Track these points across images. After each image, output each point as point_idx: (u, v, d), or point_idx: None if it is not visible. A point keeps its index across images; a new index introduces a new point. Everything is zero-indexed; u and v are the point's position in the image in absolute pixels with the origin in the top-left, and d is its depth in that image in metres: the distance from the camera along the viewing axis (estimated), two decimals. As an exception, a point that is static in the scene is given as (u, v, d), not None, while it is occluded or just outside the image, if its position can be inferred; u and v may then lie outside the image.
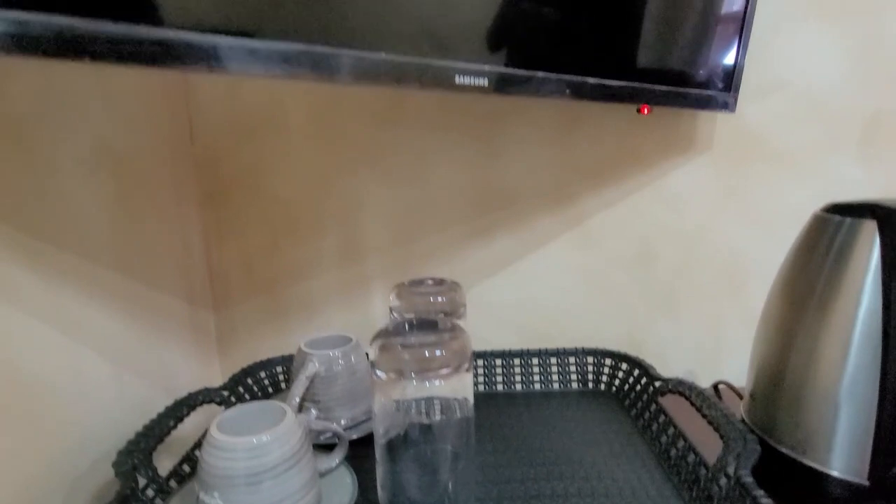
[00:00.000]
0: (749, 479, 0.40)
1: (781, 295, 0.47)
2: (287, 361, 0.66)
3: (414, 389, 0.41)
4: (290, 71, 0.36)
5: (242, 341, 0.75)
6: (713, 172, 0.72)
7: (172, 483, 0.46)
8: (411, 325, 0.42)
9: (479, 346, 0.71)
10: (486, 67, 0.46)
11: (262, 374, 0.63)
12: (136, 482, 0.43)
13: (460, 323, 0.47)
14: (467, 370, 0.41)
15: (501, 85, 0.46)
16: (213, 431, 0.38)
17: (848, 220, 0.42)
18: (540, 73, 0.49)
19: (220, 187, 0.71)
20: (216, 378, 0.74)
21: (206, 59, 0.31)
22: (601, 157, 0.71)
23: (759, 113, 0.70)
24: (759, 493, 0.38)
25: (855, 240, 0.41)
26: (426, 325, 0.43)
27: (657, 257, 0.74)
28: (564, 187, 0.72)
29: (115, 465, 0.43)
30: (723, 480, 0.42)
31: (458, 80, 0.44)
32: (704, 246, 0.74)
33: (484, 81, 0.45)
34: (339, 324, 0.75)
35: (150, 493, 0.44)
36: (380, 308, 0.75)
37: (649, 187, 0.72)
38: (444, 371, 0.39)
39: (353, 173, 0.71)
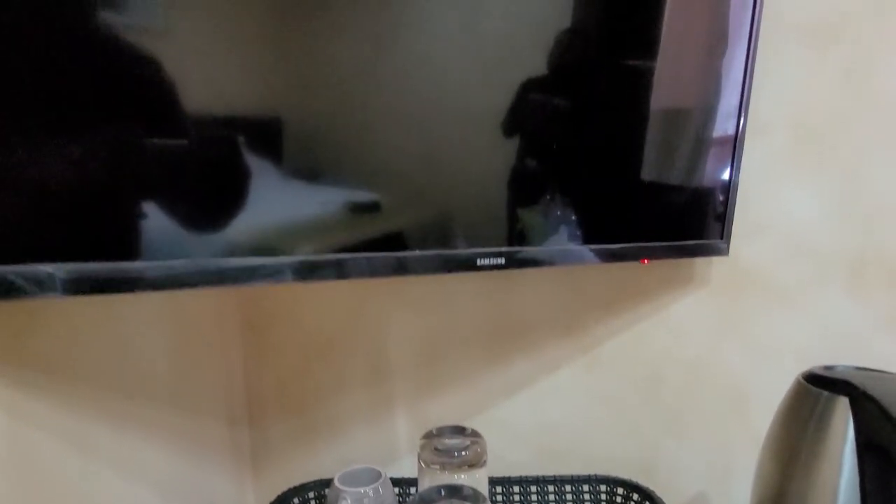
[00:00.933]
0: None
1: (772, 453, 0.51)
2: (318, 486, 0.71)
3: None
4: (342, 274, 0.44)
5: (275, 460, 0.81)
6: (712, 305, 0.78)
7: None
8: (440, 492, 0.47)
9: (494, 463, 0.76)
10: (503, 249, 0.53)
11: (296, 501, 0.68)
12: None
13: (482, 471, 0.52)
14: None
15: (515, 263, 0.54)
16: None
17: (825, 394, 0.47)
18: (545, 249, 0.56)
19: (261, 318, 0.78)
20: (249, 498, 0.79)
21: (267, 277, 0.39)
22: (608, 291, 0.78)
23: (751, 253, 0.76)
24: None
25: (832, 414, 0.46)
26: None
27: (664, 382, 0.79)
28: (575, 318, 0.78)
29: None
30: None
31: (480, 262, 0.52)
32: (708, 372, 0.79)
33: (501, 260, 0.53)
34: (365, 442, 0.80)
35: None
36: (403, 428, 0.80)
37: (653, 318, 0.78)
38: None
39: (380, 302, 0.78)
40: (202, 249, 0.39)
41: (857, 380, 0.46)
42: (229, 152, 0.41)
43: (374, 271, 0.45)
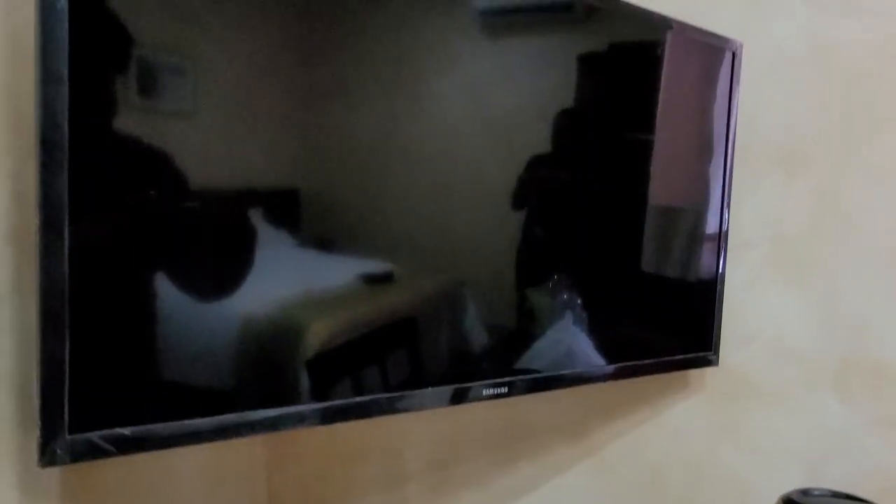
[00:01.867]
0: None
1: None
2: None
3: None
4: (364, 415, 0.50)
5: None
6: (708, 409, 0.82)
7: None
8: None
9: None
10: (506, 379, 0.59)
11: None
12: None
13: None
14: None
15: (516, 391, 0.60)
16: None
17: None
18: (545, 374, 0.63)
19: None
20: None
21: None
22: (610, 397, 0.83)
23: (741, 359, 0.82)
24: None
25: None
26: None
27: (666, 484, 0.83)
28: (579, 422, 0.83)
29: None
30: None
31: (485, 392, 0.58)
32: (707, 473, 0.82)
33: (505, 389, 0.59)
34: (381, 544, 0.83)
35: None
36: (418, 530, 0.84)
37: (653, 421, 0.83)
38: None
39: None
40: (243, 403, 0.46)
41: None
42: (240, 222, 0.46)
43: (392, 410, 0.52)
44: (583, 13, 0.63)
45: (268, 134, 0.48)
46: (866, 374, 0.81)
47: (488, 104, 0.59)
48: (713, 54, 0.74)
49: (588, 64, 0.64)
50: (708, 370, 0.82)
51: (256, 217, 0.48)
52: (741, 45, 0.76)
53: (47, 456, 0.38)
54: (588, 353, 0.71)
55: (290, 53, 0.49)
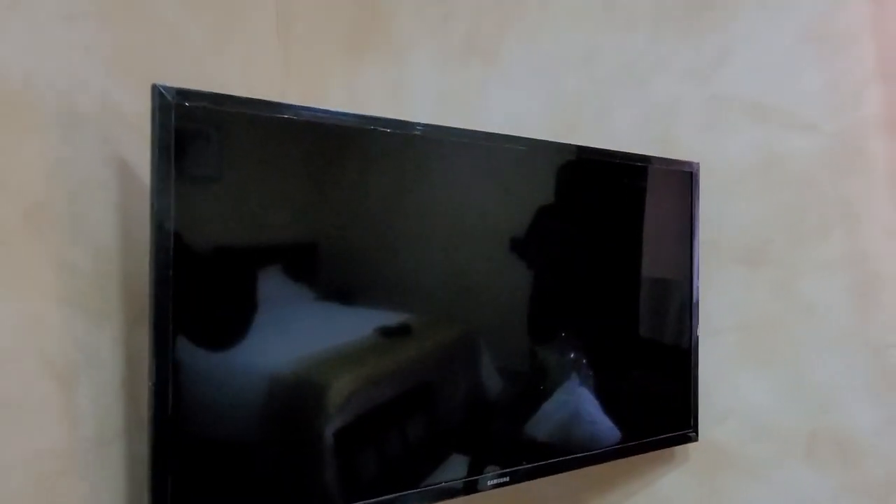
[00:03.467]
0: None
1: None
2: None
3: None
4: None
5: None
6: (692, 480, 0.92)
7: None
8: None
9: None
10: (507, 470, 0.71)
11: None
12: None
13: None
14: None
15: (517, 479, 0.71)
16: None
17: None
18: (542, 463, 0.74)
19: None
20: None
21: None
22: (604, 470, 0.93)
23: (720, 434, 0.92)
24: None
25: None
26: None
27: (660, 549, 0.92)
28: (580, 495, 0.94)
29: None
30: None
31: (490, 482, 0.69)
32: (697, 539, 0.92)
33: (507, 479, 0.71)
34: None
35: None
36: None
37: (644, 492, 0.93)
38: None
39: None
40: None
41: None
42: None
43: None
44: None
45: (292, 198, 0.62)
46: (833, 444, 0.90)
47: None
48: (678, 175, 0.88)
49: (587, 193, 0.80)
50: (690, 445, 0.93)
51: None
52: (698, 165, 0.89)
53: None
54: (592, 414, 0.83)
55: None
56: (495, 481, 0.69)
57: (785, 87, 0.94)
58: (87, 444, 0.55)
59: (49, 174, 0.54)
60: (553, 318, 0.81)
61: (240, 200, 0.58)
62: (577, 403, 0.82)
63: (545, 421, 0.78)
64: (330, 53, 1.02)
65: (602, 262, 0.86)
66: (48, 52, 0.58)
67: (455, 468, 0.68)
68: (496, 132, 0.77)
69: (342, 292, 0.65)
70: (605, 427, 0.83)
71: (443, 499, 0.66)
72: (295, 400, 0.60)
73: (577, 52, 0.98)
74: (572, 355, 0.81)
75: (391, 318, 0.67)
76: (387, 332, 0.67)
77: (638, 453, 0.85)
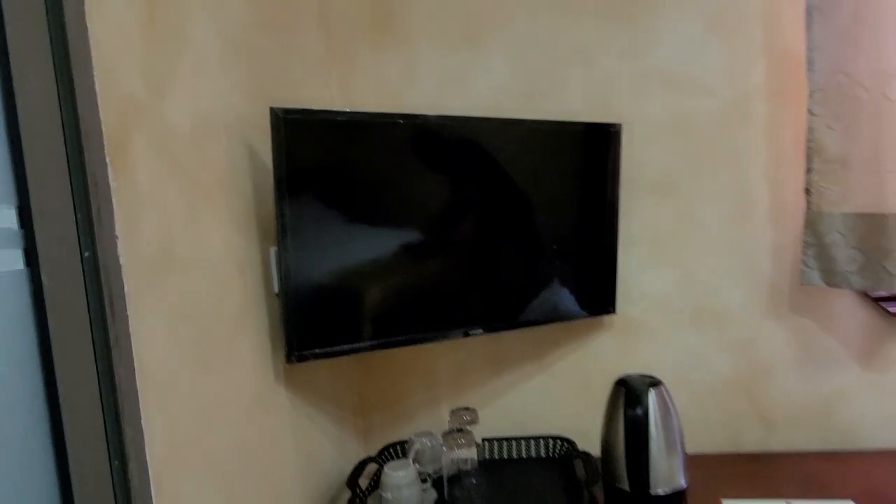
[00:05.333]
0: None
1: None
2: (401, 442, 1.36)
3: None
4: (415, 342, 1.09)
5: (377, 432, 1.47)
6: (615, 339, 1.37)
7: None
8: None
9: (484, 426, 1.38)
10: (476, 328, 1.17)
11: (390, 450, 1.34)
12: (355, 489, 1.13)
13: (476, 427, 1.16)
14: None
15: (480, 332, 1.17)
16: (386, 470, 1.09)
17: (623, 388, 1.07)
18: (506, 323, 1.19)
19: (371, 360, 1.45)
20: (363, 449, 1.45)
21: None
22: (557, 334, 1.39)
23: (634, 311, 1.35)
24: None
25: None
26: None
27: (591, 385, 1.39)
28: (539, 350, 1.40)
29: (347, 482, 1.14)
30: None
31: (465, 334, 1.15)
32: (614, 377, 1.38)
33: (480, 331, 1.16)
34: (424, 421, 1.44)
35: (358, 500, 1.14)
36: (445, 411, 1.44)
37: (584, 348, 1.38)
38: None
39: (425, 351, 1.42)
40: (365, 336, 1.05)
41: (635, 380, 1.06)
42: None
43: (430, 340, 1.10)
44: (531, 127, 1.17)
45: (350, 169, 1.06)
46: (710, 316, 1.33)
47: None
48: (606, 133, 1.26)
49: (547, 151, 1.18)
50: (615, 318, 1.37)
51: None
52: (620, 125, 1.26)
53: (290, 360, 0.99)
54: (567, 304, 1.28)
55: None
56: (473, 332, 1.15)
57: (693, 63, 1.29)
58: (254, 298, 1.01)
59: (224, 163, 0.96)
60: (539, 237, 1.23)
61: (319, 167, 1.00)
62: (554, 295, 1.26)
63: (535, 310, 1.23)
64: (358, 42, 1.38)
65: (564, 197, 1.26)
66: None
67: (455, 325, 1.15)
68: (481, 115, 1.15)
69: (383, 223, 1.09)
70: (566, 304, 1.27)
71: (443, 340, 1.13)
72: (358, 287, 1.06)
73: (539, 37, 1.33)
74: (556, 262, 1.24)
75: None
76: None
77: (580, 318, 1.29)
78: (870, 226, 1.12)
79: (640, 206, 1.33)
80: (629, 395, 1.05)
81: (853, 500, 1.03)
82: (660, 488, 1.03)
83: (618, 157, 1.28)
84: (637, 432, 1.03)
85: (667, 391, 1.08)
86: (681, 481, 1.05)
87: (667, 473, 1.03)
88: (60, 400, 0.62)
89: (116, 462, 0.64)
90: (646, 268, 1.35)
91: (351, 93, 1.38)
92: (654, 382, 1.07)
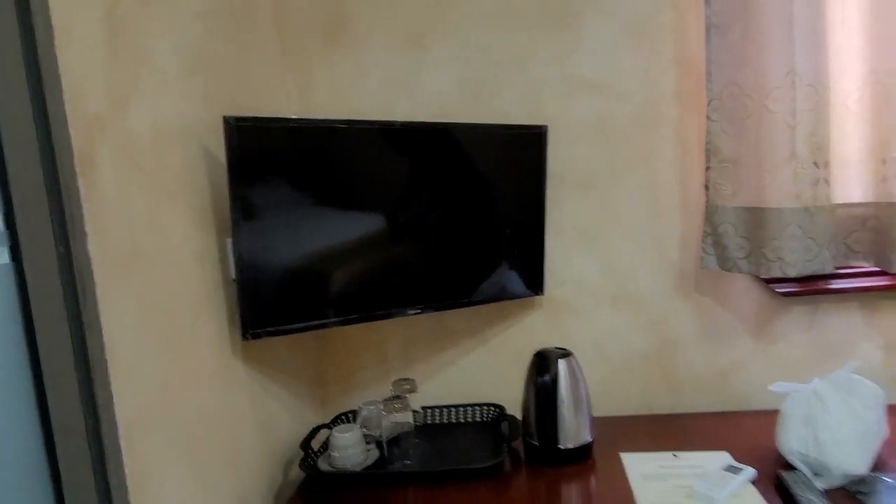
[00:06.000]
0: None
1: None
2: (353, 411, 1.51)
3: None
4: (370, 319, 1.24)
5: (333, 401, 1.62)
6: (545, 318, 1.53)
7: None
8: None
9: (423, 395, 1.54)
10: (420, 307, 1.32)
11: (343, 417, 1.50)
12: (307, 451, 1.29)
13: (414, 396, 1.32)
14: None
15: (423, 311, 1.33)
16: (334, 433, 1.24)
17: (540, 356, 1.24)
18: (450, 302, 1.35)
19: (328, 337, 1.59)
20: (320, 416, 1.60)
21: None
22: (494, 313, 1.55)
23: (560, 293, 1.52)
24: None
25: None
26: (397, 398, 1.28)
27: (524, 358, 1.55)
28: (479, 326, 1.56)
29: (301, 444, 1.29)
30: None
31: (410, 312, 1.31)
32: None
33: (419, 310, 1.32)
34: (374, 391, 1.60)
35: (310, 460, 1.30)
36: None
37: (518, 325, 1.55)
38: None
39: (381, 327, 1.58)
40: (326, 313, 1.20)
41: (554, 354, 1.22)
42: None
43: (379, 318, 1.25)
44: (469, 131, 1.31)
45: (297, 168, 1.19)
46: (628, 300, 1.50)
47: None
48: (534, 135, 1.40)
49: (481, 152, 1.32)
50: (544, 300, 1.53)
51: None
52: (546, 127, 1.41)
53: (245, 337, 1.13)
54: (514, 283, 1.44)
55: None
56: (417, 311, 1.30)
57: (612, 70, 1.43)
58: (213, 285, 1.14)
59: (183, 165, 1.08)
60: (480, 227, 1.38)
61: (269, 166, 1.13)
62: (493, 277, 1.41)
63: (484, 290, 1.39)
64: (312, 48, 1.50)
65: (501, 192, 1.41)
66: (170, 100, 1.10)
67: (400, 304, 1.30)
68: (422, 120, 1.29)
69: (332, 214, 1.22)
70: (504, 285, 1.43)
71: (384, 318, 1.28)
72: (310, 271, 1.20)
73: (479, 45, 1.46)
74: (495, 249, 1.40)
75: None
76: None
77: (513, 298, 1.45)
78: (753, 218, 1.29)
79: (568, 199, 1.49)
80: (542, 364, 1.22)
81: (729, 450, 1.21)
82: (569, 443, 1.20)
83: (544, 155, 1.43)
84: (546, 395, 1.20)
85: (576, 361, 1.25)
86: (587, 437, 1.22)
87: (574, 431, 1.21)
88: (43, 370, 0.76)
89: (90, 421, 0.78)
90: (572, 255, 1.51)
91: (307, 97, 1.50)
92: (565, 354, 1.24)
